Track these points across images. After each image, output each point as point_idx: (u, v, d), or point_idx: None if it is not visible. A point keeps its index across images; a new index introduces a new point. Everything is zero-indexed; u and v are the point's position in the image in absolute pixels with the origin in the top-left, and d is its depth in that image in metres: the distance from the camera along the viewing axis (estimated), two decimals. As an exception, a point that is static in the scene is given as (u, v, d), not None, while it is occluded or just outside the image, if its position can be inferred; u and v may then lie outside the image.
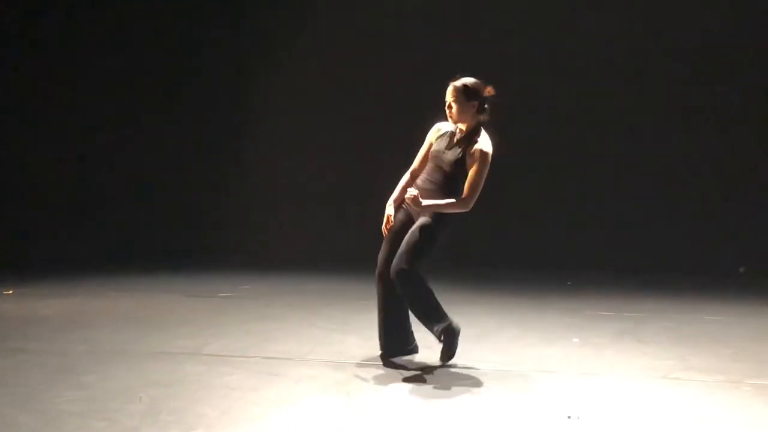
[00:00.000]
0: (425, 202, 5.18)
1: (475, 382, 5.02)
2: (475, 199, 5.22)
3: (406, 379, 5.04)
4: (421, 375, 5.15)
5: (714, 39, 10.22)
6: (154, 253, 10.71)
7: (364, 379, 5.02)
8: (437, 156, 5.34)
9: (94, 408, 4.33)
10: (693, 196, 10.32)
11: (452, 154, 5.28)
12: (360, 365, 5.34)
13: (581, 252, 10.32)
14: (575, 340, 6.30)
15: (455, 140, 5.33)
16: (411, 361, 5.44)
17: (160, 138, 11.32)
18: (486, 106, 5.30)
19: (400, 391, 4.81)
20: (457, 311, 7.39)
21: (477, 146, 5.23)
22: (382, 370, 5.24)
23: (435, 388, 4.88)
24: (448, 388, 4.86)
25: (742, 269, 9.99)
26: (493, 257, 10.48)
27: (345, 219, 11.07)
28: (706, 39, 10.24)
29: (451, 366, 5.34)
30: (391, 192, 5.56)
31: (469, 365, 5.38)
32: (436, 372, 5.23)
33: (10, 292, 8.05)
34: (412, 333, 5.57)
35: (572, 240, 10.42)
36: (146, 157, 11.34)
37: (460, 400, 4.64)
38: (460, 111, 5.28)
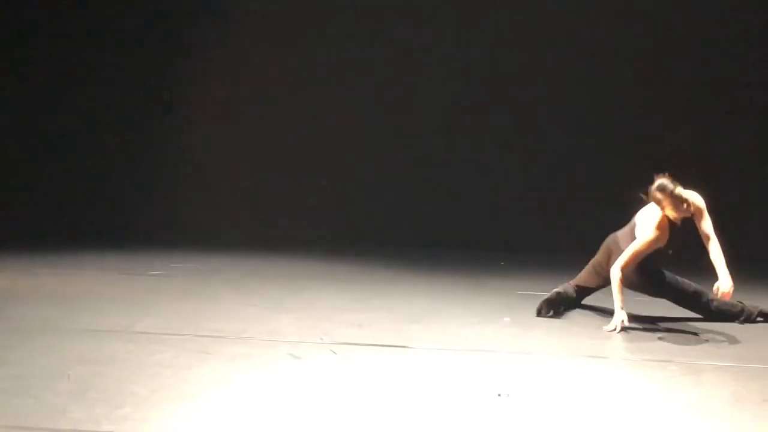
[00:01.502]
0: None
1: (409, 361, 5.04)
2: None
3: (340, 357, 5.04)
4: (355, 353, 5.15)
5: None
6: (83, 230, 10.53)
7: (298, 358, 5.01)
8: None
9: (20, 386, 4.25)
10: (635, 182, 10.47)
11: None
12: (294, 344, 5.33)
13: (515, 233, 10.43)
14: (506, 319, 6.36)
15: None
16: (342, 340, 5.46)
17: (89, 109, 11.11)
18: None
19: (334, 368, 4.81)
20: (395, 292, 7.51)
21: None
22: (316, 349, 5.23)
23: (369, 366, 4.89)
24: (382, 367, 4.88)
25: (669, 250, 10.19)
26: (430, 239, 10.54)
27: (283, 198, 11.01)
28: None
29: (384, 345, 5.36)
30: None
31: (403, 344, 5.40)
32: (371, 350, 5.25)
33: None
34: None
35: (505, 221, 10.52)
36: (75, 132, 11.12)
37: (394, 378, 4.65)
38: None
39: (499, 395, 4.31)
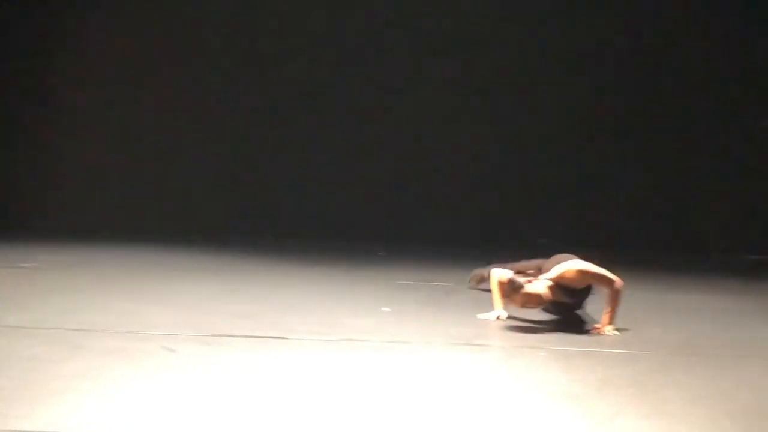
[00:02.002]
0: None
1: (285, 353, 5.04)
2: None
3: (215, 349, 5.01)
4: (230, 345, 5.13)
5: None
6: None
7: (172, 350, 4.95)
8: None
9: None
10: (499, 173, 10.72)
11: None
12: (168, 336, 5.26)
13: (393, 223, 10.54)
14: (385, 309, 6.43)
15: None
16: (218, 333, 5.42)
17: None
18: None
19: (209, 360, 4.77)
20: (273, 283, 7.50)
21: None
22: (190, 341, 5.18)
23: (243, 358, 4.86)
24: (258, 358, 4.87)
25: (542, 240, 10.53)
26: (309, 229, 10.55)
27: (160, 189, 10.84)
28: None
29: (260, 336, 5.35)
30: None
31: (280, 335, 5.40)
32: (247, 341, 5.23)
33: None
34: None
35: (385, 212, 10.62)
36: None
37: (270, 369, 4.64)
38: None
39: (373, 384, 4.36)
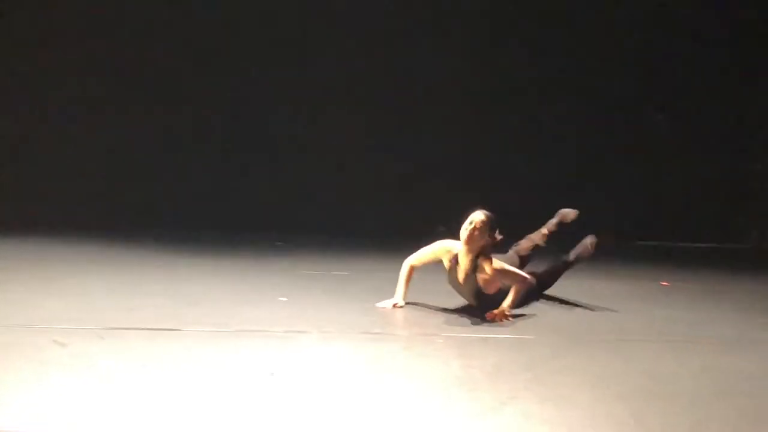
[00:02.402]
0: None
1: (181, 344, 4.96)
2: None
3: (109, 342, 4.90)
4: (124, 338, 5.03)
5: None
6: None
7: (63, 344, 4.82)
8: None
9: None
10: (398, 162, 10.78)
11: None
12: (58, 330, 5.13)
13: (292, 214, 10.50)
14: (283, 299, 6.39)
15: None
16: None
17: None
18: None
19: (102, 354, 4.67)
20: (169, 274, 7.37)
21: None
22: (82, 334, 5.06)
23: (138, 350, 4.77)
24: (153, 350, 4.78)
25: (442, 228, 10.62)
26: (209, 221, 10.43)
27: (60, 181, 10.57)
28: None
29: (155, 328, 5.26)
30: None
31: (175, 327, 5.32)
32: (142, 334, 5.13)
33: None
34: None
35: (283, 201, 10.58)
36: None
37: (164, 362, 4.56)
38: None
39: (272, 374, 4.33)
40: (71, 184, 10.53)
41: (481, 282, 5.91)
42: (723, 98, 11.06)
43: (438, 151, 10.84)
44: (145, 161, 10.67)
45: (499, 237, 6.02)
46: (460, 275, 5.98)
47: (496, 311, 5.85)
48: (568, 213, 6.63)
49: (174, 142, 10.67)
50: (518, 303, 6.04)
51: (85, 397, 3.89)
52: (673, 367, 4.90)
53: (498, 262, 5.95)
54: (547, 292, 6.61)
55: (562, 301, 6.66)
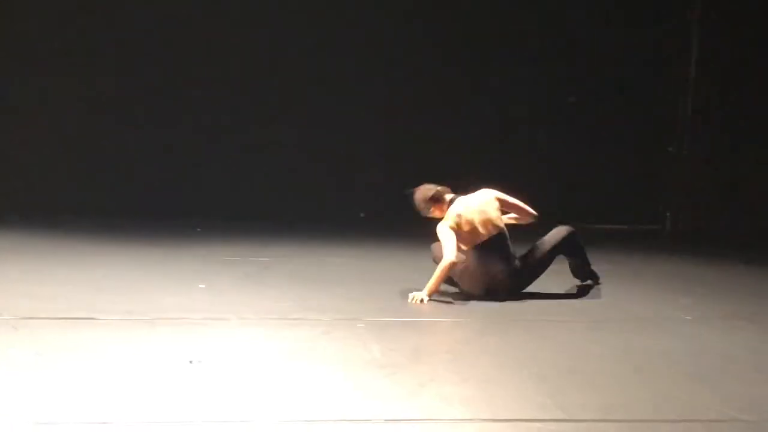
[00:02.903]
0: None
1: (95, 334, 4.86)
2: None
3: (21, 332, 4.79)
4: (36, 327, 4.91)
5: None
6: None
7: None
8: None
9: None
10: (307, 150, 10.76)
11: None
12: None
13: (210, 199, 10.41)
14: (201, 285, 6.32)
15: None
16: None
17: None
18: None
19: (13, 344, 4.55)
20: (86, 263, 7.22)
21: None
22: (15, 324, 4.93)
23: (52, 340, 4.66)
24: (66, 340, 4.68)
25: (362, 214, 10.70)
26: (128, 207, 10.26)
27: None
28: None
29: (68, 317, 5.16)
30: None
31: (90, 316, 5.21)
32: (55, 323, 5.02)
33: None
34: None
35: (199, 187, 10.48)
36: None
37: (79, 351, 4.47)
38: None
39: (191, 362, 4.27)
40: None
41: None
42: (637, 83, 11.24)
43: (356, 139, 10.82)
44: (62, 147, 10.44)
45: (444, 192, 6.19)
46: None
47: (416, 296, 5.87)
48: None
49: (92, 126, 10.44)
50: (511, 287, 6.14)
51: (-5, 388, 3.80)
52: (590, 346, 4.98)
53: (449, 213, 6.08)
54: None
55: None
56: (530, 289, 6.28)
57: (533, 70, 11.03)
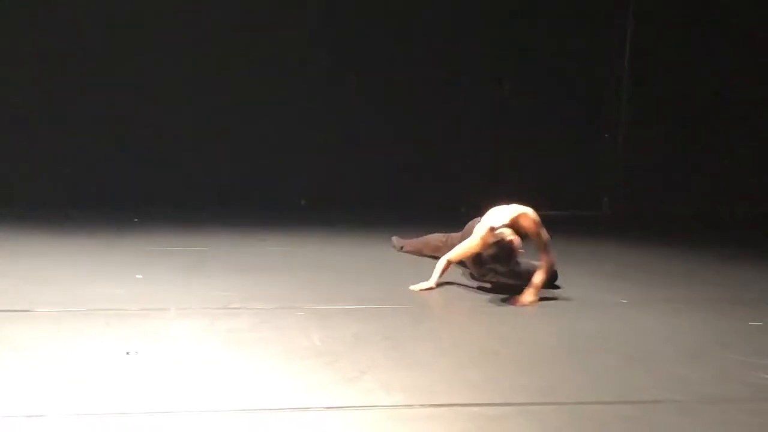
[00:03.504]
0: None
1: (35, 326, 4.78)
2: None
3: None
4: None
5: None
6: None
7: None
8: None
9: None
10: (250, 137, 10.70)
11: None
12: None
13: (149, 188, 10.30)
14: (138, 276, 6.25)
15: None
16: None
17: None
18: None
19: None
20: (19, 253, 7.08)
21: None
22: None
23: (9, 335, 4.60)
24: (3, 333, 4.59)
25: (303, 202, 10.69)
26: (64, 198, 10.10)
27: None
28: None
29: (4, 310, 5.07)
30: None
31: (25, 308, 5.12)
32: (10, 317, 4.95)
33: None
34: None
35: (137, 176, 10.36)
36: None
37: (18, 343, 4.39)
38: None
39: (127, 353, 4.23)
40: None
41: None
42: (575, 69, 11.36)
43: (298, 126, 10.79)
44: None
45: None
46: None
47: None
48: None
49: (24, 114, 10.25)
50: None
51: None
52: (528, 330, 5.04)
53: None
54: (410, 261, 6.69)
55: (423, 271, 6.73)
56: (464, 273, 6.33)
57: (472, 57, 11.10)
